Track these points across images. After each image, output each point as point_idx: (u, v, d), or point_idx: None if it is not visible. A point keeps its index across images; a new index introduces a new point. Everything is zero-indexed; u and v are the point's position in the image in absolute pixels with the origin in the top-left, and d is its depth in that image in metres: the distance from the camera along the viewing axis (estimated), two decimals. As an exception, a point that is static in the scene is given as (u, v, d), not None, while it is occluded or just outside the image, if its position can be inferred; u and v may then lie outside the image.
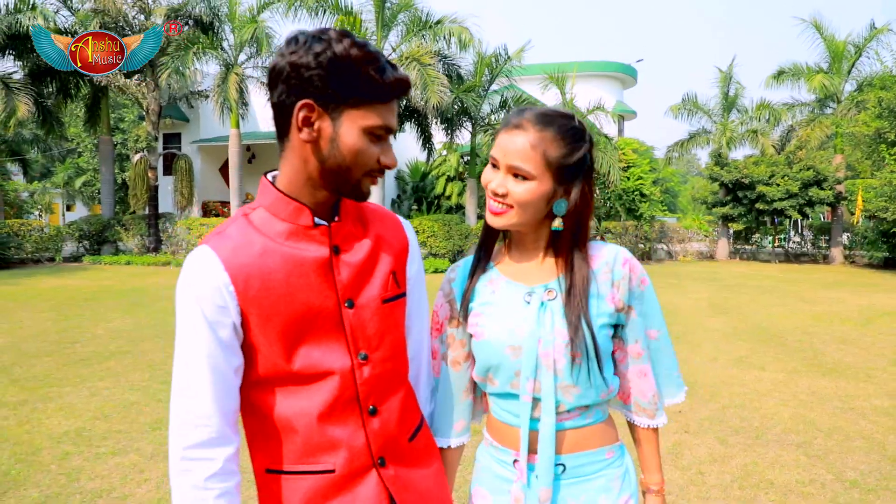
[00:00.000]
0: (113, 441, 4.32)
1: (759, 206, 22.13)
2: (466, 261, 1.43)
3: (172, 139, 23.44)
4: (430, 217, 19.03)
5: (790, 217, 22.40)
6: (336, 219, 1.22)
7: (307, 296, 1.17)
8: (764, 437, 4.46)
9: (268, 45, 17.38)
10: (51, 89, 19.49)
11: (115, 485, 3.65)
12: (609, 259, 1.33)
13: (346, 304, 1.20)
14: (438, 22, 16.80)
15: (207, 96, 19.99)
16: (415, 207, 25.05)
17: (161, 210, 20.43)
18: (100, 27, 17.37)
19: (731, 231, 24.99)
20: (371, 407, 1.23)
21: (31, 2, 17.14)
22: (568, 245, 1.31)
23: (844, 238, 23.80)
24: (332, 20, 16.56)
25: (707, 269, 19.45)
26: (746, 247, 25.80)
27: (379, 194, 17.17)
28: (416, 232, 18.08)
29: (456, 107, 17.80)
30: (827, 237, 24.04)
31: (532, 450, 1.32)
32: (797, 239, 26.30)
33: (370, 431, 1.23)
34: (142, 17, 18.44)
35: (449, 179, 21.93)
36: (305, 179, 1.16)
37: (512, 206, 1.27)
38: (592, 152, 1.32)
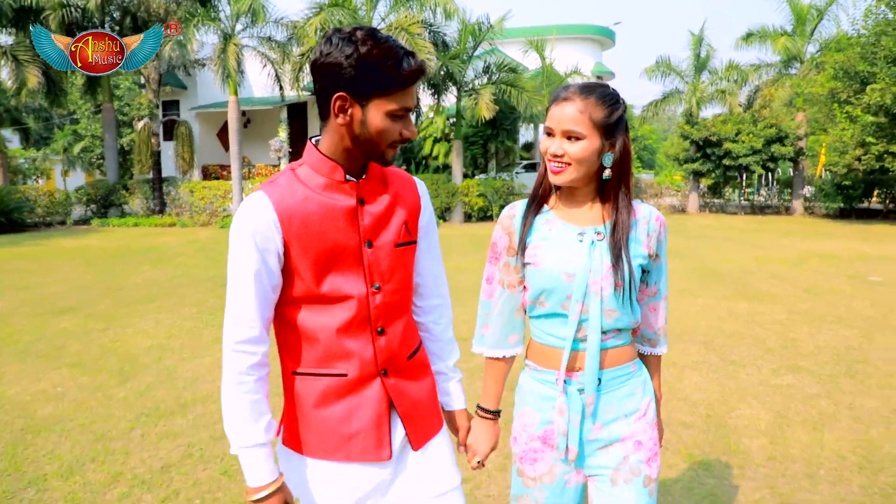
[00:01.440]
0: (189, 351, 5.71)
1: (727, 161, 23.56)
2: (523, 202, 1.70)
3: (171, 106, 24.37)
4: (419, 176, 20.30)
5: (754, 172, 23.90)
6: (364, 177, 1.50)
7: (336, 235, 1.45)
8: (680, 339, 5.92)
9: (263, 15, 18.31)
10: (51, 59, 20.32)
11: (205, 374, 5.04)
12: (646, 214, 1.63)
13: (366, 245, 1.49)
14: (424, -8, 17.81)
15: (204, 65, 20.93)
16: (403, 167, 26.27)
17: (164, 174, 21.52)
18: (102, 1, 18.24)
19: (703, 186, 26.49)
20: (380, 327, 1.52)
21: (35, -25, 17.91)
22: (615, 190, 1.58)
23: (806, 191, 25.41)
24: (324, -8, 17.51)
25: (676, 222, 20.95)
26: (716, 200, 27.36)
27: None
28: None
29: (442, 72, 18.95)
30: (790, 190, 25.65)
31: (573, 367, 1.60)
32: (765, 192, 27.94)
33: (377, 347, 1.52)
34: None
35: (436, 141, 23.10)
36: (342, 149, 1.45)
37: (570, 164, 1.53)
38: (625, 114, 1.59)
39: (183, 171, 21.47)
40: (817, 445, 3.55)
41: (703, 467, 3.32)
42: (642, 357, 1.72)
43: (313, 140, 1.51)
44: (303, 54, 17.82)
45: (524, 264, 1.62)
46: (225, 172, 23.36)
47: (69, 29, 18.99)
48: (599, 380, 1.58)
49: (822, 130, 22.36)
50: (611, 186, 1.58)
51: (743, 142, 23.13)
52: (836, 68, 19.54)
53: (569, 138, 1.52)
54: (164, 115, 23.41)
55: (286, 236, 1.42)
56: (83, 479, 3.21)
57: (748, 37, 25.05)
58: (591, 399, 1.57)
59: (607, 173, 1.55)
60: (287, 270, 1.46)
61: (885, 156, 19.39)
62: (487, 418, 1.73)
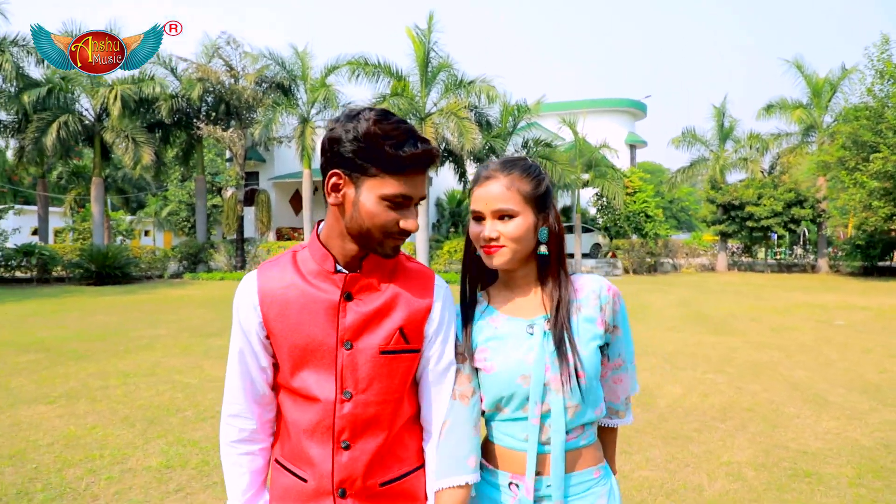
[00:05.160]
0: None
1: (749, 223, 25.67)
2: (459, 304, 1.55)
3: (252, 177, 28.05)
4: (462, 238, 23.08)
5: (776, 233, 25.88)
6: (358, 270, 1.39)
7: (312, 329, 1.38)
8: (646, 353, 8.24)
9: (335, 101, 21.73)
10: (155, 138, 24.18)
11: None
12: (595, 287, 1.49)
13: (343, 345, 1.37)
14: (471, 82, 20.98)
15: (281, 141, 24.46)
16: (452, 230, 29.19)
17: (245, 235, 24.88)
18: (203, 91, 22.04)
19: (732, 245, 28.49)
20: (344, 441, 1.38)
21: (152, 74, 21.84)
22: (555, 266, 1.48)
23: (830, 250, 27.18)
24: (387, 83, 20.86)
25: (700, 279, 23.01)
26: (744, 259, 29.25)
27: (423, 220, 21.31)
28: (453, 251, 22.14)
29: (486, 148, 21.90)
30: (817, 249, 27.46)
31: (521, 470, 1.44)
32: (800, 251, 29.75)
33: (336, 462, 1.38)
34: (232, 81, 22.99)
35: (481, 205, 25.93)
36: (337, 234, 1.38)
37: (505, 245, 1.43)
38: (551, 187, 1.53)
39: (261, 232, 24.79)
40: (701, 403, 5.91)
41: (629, 411, 5.71)
42: (601, 430, 1.59)
43: (319, 224, 1.46)
44: (368, 134, 21.06)
45: (475, 370, 1.48)
46: (296, 234, 26.67)
47: (176, 115, 22.85)
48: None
49: (839, 195, 24.36)
50: (550, 265, 1.48)
51: (764, 205, 25.26)
52: (845, 138, 21.72)
53: (501, 218, 1.43)
54: (245, 185, 27.04)
55: (266, 322, 1.40)
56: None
57: (769, 108, 27.52)
58: None
59: (543, 249, 1.46)
60: (275, 355, 1.43)
61: (893, 217, 21.26)
62: None
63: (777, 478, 4.06)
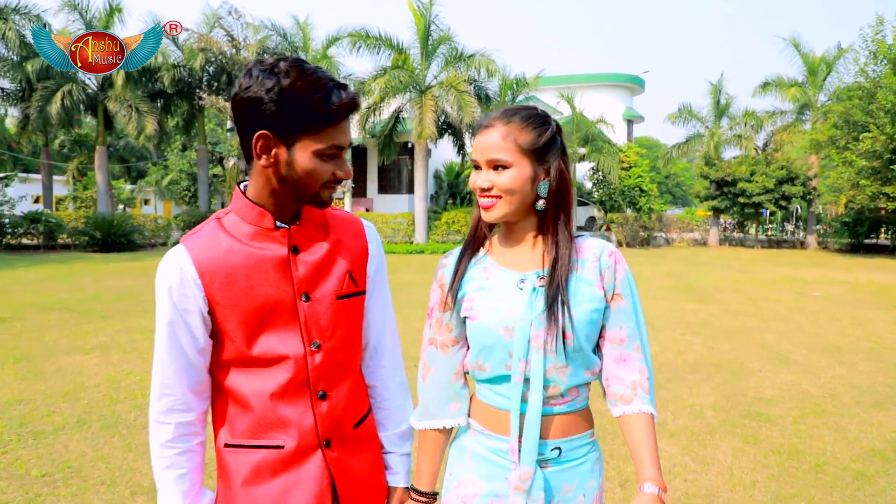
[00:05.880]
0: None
1: (742, 199, 26.21)
2: (458, 249, 1.53)
3: (253, 147, 28.41)
4: (463, 209, 23.63)
5: (767, 210, 26.46)
6: (297, 223, 1.39)
7: (266, 289, 1.34)
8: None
9: (337, 74, 22.02)
10: (157, 108, 24.46)
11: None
12: (596, 250, 1.45)
13: (301, 298, 1.37)
14: (471, 56, 21.30)
15: (283, 112, 24.79)
16: (450, 201, 29.69)
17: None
18: (204, 61, 22.33)
19: (724, 221, 29.09)
20: (321, 392, 1.39)
21: (154, 44, 22.08)
22: (552, 223, 1.42)
23: (820, 227, 27.81)
24: (387, 55, 21.18)
25: (691, 253, 23.63)
26: (736, 235, 29.88)
27: (422, 192, 21.82)
28: (450, 223, 22.70)
29: (484, 121, 22.33)
30: (806, 226, 28.09)
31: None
32: (791, 228, 30.38)
33: (318, 414, 1.38)
34: (233, 51, 23.24)
35: (478, 178, 26.46)
36: (270, 192, 1.34)
37: (500, 197, 1.39)
38: (561, 135, 1.44)
39: (262, 202, 25.32)
40: (675, 359, 6.52)
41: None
42: (620, 422, 1.44)
43: (242, 186, 1.40)
44: (368, 107, 21.44)
45: (463, 319, 1.47)
46: (297, 203, 27.23)
47: (178, 84, 23.15)
48: (560, 449, 1.42)
49: (830, 173, 24.89)
50: (548, 219, 1.43)
51: (756, 182, 25.76)
52: (837, 117, 22.16)
53: (495, 168, 1.39)
54: (247, 155, 27.46)
55: (209, 294, 1.33)
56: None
57: (765, 86, 27.80)
58: (529, 473, 1.37)
59: (541, 204, 1.41)
60: (216, 331, 1.36)
61: (880, 196, 21.81)
62: (422, 502, 1.51)
63: (732, 417, 4.68)
